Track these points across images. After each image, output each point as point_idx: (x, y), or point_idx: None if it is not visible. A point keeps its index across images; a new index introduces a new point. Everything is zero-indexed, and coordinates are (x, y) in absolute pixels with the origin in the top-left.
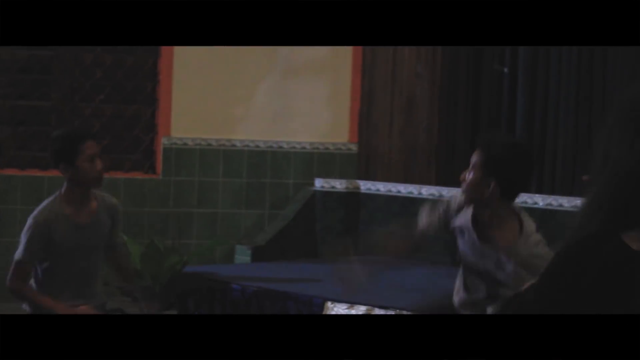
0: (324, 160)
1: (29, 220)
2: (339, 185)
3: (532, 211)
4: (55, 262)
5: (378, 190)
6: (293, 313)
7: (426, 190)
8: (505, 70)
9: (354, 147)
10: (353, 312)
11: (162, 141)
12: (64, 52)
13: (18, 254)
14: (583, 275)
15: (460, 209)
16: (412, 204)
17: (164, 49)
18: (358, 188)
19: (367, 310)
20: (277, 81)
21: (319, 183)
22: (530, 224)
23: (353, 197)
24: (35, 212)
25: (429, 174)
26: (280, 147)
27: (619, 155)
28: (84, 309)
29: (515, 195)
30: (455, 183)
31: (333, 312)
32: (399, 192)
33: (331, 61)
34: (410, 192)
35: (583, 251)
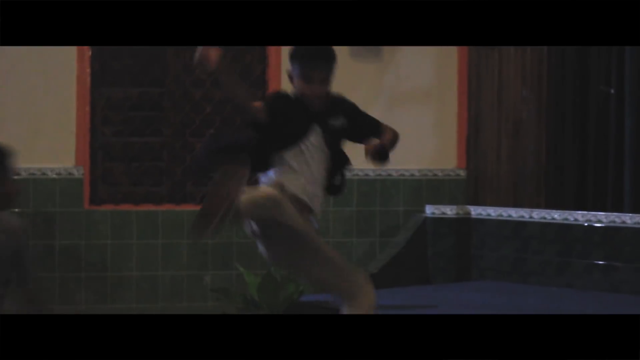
0: (432, 187)
1: None
2: (449, 211)
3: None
4: None
5: (489, 215)
6: None
7: (537, 214)
8: (612, 91)
9: (462, 173)
10: None
11: None
12: (174, 88)
13: None
14: None
15: None
16: (523, 228)
17: (272, 83)
18: (469, 213)
19: None
20: (383, 109)
21: (430, 209)
22: None
23: (464, 223)
24: None
25: (539, 197)
26: (389, 175)
27: None
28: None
29: None
30: (566, 206)
31: None
32: (509, 216)
33: (436, 88)
34: (521, 216)
35: None
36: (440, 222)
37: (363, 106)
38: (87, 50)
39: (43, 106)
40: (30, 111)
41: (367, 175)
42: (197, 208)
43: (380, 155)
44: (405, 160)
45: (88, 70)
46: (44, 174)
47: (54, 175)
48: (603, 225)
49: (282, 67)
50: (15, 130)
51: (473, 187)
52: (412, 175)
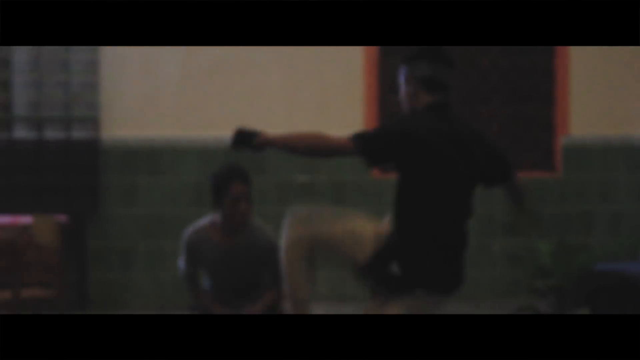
0: None
1: (183, 236)
2: None
3: None
4: (209, 275)
5: None
6: None
7: None
8: None
9: None
10: None
11: (561, 140)
12: (461, 56)
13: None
14: None
15: None
16: None
17: (560, 50)
18: None
19: None
20: None
21: None
22: None
23: None
24: (188, 230)
25: None
26: None
27: None
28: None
29: None
30: None
31: None
32: None
33: None
34: None
35: None
36: None
37: (618, 89)
38: None
39: (331, 77)
40: (318, 83)
41: None
42: None
43: None
44: None
45: None
46: None
47: None
48: None
49: (570, 59)
50: (304, 101)
51: None
52: None
